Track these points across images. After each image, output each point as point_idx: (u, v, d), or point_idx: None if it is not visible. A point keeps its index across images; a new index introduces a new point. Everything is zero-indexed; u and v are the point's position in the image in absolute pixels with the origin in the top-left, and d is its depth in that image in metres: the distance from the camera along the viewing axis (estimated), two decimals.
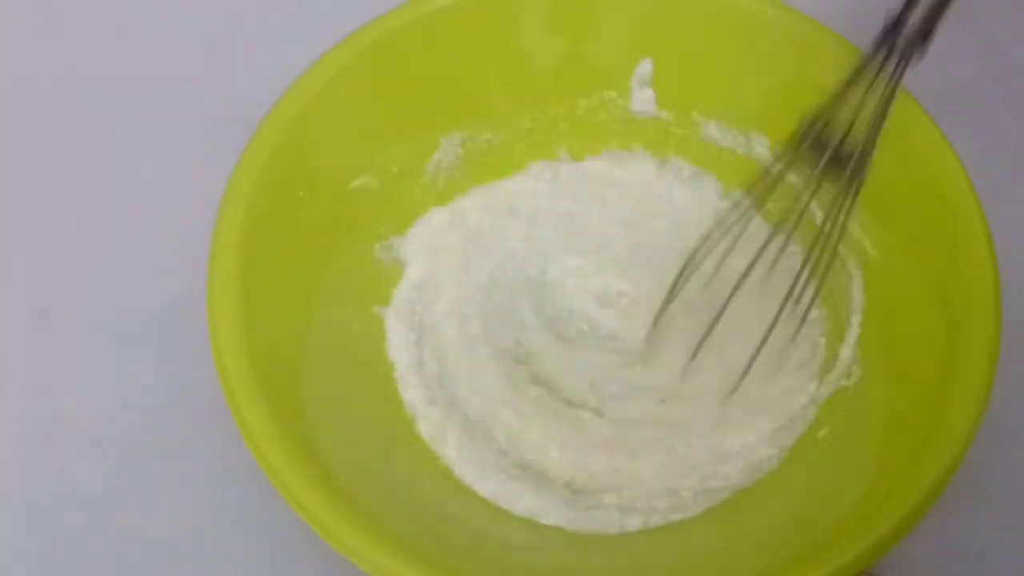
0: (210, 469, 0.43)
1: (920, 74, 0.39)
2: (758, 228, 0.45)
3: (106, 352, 0.46)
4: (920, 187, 0.41)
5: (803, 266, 0.43)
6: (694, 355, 0.44)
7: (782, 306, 0.43)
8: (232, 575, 0.42)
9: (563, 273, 0.48)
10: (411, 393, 0.44)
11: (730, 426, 0.44)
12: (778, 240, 0.44)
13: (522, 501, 0.42)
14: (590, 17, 0.46)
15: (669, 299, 0.44)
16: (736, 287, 0.42)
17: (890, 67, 0.39)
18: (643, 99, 0.48)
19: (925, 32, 0.38)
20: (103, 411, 0.45)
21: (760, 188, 0.43)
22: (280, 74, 0.42)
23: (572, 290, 0.47)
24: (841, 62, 0.42)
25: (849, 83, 0.40)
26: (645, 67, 0.47)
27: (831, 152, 0.40)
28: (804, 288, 0.43)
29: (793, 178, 0.43)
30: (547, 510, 0.42)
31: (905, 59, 0.39)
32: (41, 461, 0.44)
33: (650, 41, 0.46)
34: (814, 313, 0.45)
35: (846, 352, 0.44)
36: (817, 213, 0.45)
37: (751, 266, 0.43)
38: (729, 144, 0.48)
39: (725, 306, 0.42)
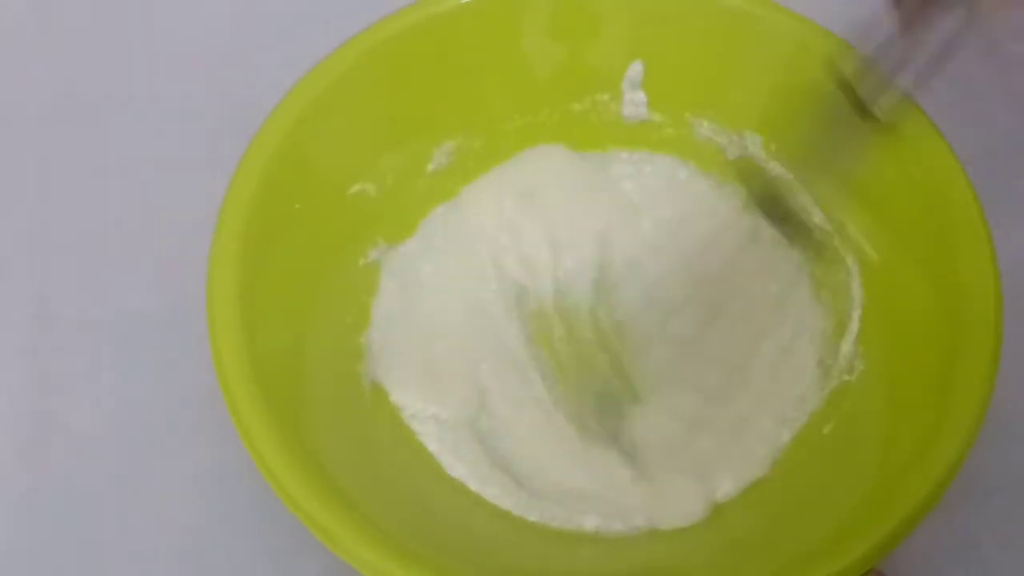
0: (209, 470, 0.43)
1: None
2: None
3: (106, 352, 0.46)
4: (918, 186, 0.41)
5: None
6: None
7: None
8: (231, 575, 0.42)
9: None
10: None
11: (734, 425, 0.44)
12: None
13: (519, 502, 0.42)
14: (591, 20, 0.46)
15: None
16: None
17: None
18: (634, 101, 0.48)
19: None
20: (103, 411, 0.45)
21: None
22: (280, 76, 0.42)
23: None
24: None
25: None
26: (636, 69, 0.47)
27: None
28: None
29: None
30: (554, 514, 0.41)
31: None
32: (41, 461, 0.44)
33: (642, 42, 0.46)
34: (815, 312, 0.45)
35: (847, 347, 0.43)
36: (814, 211, 0.45)
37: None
38: (723, 144, 0.48)
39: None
